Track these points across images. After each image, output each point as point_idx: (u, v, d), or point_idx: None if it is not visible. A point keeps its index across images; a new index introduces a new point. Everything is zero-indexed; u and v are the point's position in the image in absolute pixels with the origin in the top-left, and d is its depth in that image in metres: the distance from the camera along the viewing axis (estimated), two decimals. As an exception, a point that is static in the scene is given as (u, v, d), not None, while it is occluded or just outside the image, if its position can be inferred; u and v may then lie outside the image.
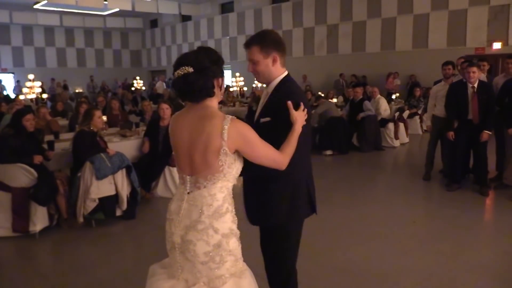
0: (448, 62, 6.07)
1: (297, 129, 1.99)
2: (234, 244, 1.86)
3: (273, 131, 2.05)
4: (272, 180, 2.12)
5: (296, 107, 2.06)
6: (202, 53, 1.82)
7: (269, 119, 2.12)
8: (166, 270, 1.96)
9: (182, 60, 1.79)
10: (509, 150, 5.63)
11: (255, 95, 2.24)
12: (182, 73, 1.76)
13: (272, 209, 2.18)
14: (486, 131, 5.29)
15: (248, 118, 2.42)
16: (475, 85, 5.35)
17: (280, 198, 2.16)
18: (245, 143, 1.78)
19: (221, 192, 1.82)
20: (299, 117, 2.02)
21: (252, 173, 2.05)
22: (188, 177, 1.85)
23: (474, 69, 5.32)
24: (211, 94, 1.83)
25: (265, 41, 2.16)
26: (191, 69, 1.76)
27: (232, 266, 1.85)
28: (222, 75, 1.89)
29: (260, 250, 2.55)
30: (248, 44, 2.19)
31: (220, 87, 1.90)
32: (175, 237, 1.86)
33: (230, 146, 1.77)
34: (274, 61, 2.18)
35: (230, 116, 1.79)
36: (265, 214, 2.20)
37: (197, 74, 1.76)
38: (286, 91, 2.16)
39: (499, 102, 5.55)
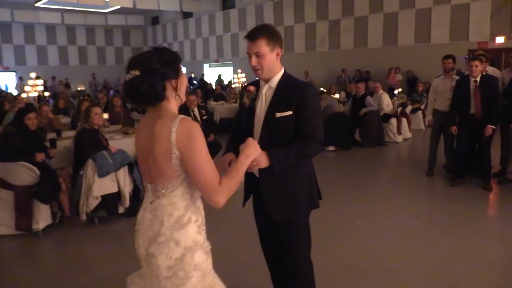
0: (448, 56, 5.99)
1: (246, 163, 1.80)
2: (200, 258, 1.72)
3: (297, 123, 2.12)
4: (290, 173, 2.19)
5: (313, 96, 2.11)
6: (153, 54, 1.69)
7: (290, 112, 2.12)
8: (143, 280, 1.83)
9: (131, 63, 1.67)
10: None
11: (250, 92, 2.22)
12: (130, 76, 1.64)
13: (295, 200, 2.25)
14: (490, 126, 5.26)
15: (244, 116, 2.36)
16: (478, 79, 5.32)
17: (301, 189, 2.26)
18: (189, 144, 1.59)
19: (183, 200, 1.69)
20: (253, 150, 1.83)
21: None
22: (148, 185, 1.74)
23: (477, 62, 5.29)
24: (160, 98, 1.67)
25: (272, 34, 2.15)
26: (137, 72, 1.64)
27: (199, 282, 1.71)
28: (176, 76, 1.73)
29: (262, 249, 2.56)
30: (254, 36, 2.13)
31: (176, 88, 1.73)
32: (140, 250, 1.76)
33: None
34: (277, 55, 2.18)
35: (181, 116, 1.64)
36: (289, 207, 2.26)
37: (143, 77, 1.63)
38: (298, 83, 2.20)
39: (509, 96, 5.50)
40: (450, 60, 5.93)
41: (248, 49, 2.16)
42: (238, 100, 2.76)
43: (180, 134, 1.59)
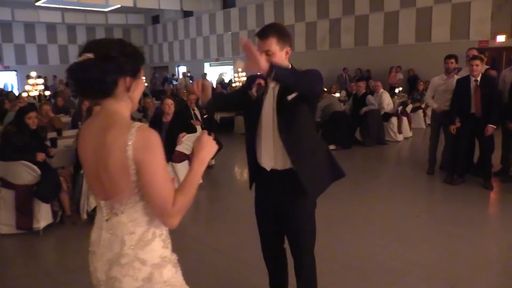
0: (451, 56, 5.96)
1: (201, 171, 1.57)
2: (169, 273, 1.56)
3: (304, 101, 2.19)
4: (317, 151, 2.35)
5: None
6: (114, 42, 1.48)
7: (296, 93, 2.17)
8: None
9: (87, 45, 1.45)
10: None
11: (261, 85, 2.22)
12: (81, 59, 1.42)
13: (324, 173, 2.39)
14: (491, 125, 5.25)
15: (249, 108, 2.38)
16: (478, 79, 5.31)
17: (326, 164, 2.42)
18: (146, 158, 1.40)
19: (145, 215, 1.50)
20: (208, 153, 1.60)
21: (294, 140, 2.19)
22: (102, 202, 1.53)
23: (477, 62, 5.28)
24: (107, 92, 1.45)
25: (283, 33, 2.21)
26: (91, 55, 1.41)
27: None
28: (133, 75, 1.50)
29: (263, 250, 2.56)
30: (265, 35, 2.17)
31: (129, 89, 1.49)
32: (98, 274, 1.55)
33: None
34: (286, 54, 2.24)
35: (137, 125, 1.43)
36: (320, 181, 2.37)
37: (96, 63, 1.40)
38: (301, 69, 2.25)
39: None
40: (453, 60, 5.88)
41: (259, 47, 2.18)
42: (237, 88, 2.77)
43: (138, 146, 1.39)
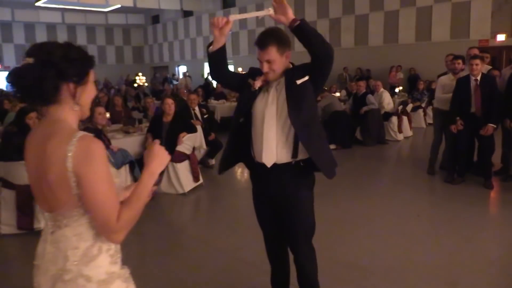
0: (458, 57, 5.91)
1: (150, 183, 1.47)
2: None
3: (310, 86, 2.28)
4: (321, 134, 2.42)
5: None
6: (58, 46, 1.39)
7: (307, 77, 2.27)
8: None
9: (29, 50, 1.38)
10: None
11: (264, 81, 2.28)
12: (21, 64, 1.37)
13: (331, 157, 2.47)
14: (491, 124, 5.25)
15: (242, 101, 2.42)
16: (478, 78, 5.31)
17: (329, 149, 2.53)
18: (87, 170, 1.31)
19: (90, 228, 1.40)
20: (160, 164, 1.50)
21: (305, 124, 2.25)
22: (46, 214, 1.45)
23: (477, 61, 5.28)
24: (47, 99, 1.38)
25: (282, 41, 2.26)
26: (31, 60, 1.34)
27: None
28: (79, 81, 1.40)
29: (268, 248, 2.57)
30: (264, 44, 2.24)
31: (74, 96, 1.40)
32: None
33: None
34: (286, 57, 2.30)
35: (80, 134, 1.34)
36: (331, 165, 2.45)
37: (34, 67, 1.33)
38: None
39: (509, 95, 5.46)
40: (460, 61, 5.84)
41: (259, 55, 2.26)
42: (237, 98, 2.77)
43: (78, 157, 1.30)
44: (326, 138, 2.56)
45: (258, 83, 2.29)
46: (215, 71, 2.43)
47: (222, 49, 2.31)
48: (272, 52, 2.23)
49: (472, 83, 5.33)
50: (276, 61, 2.24)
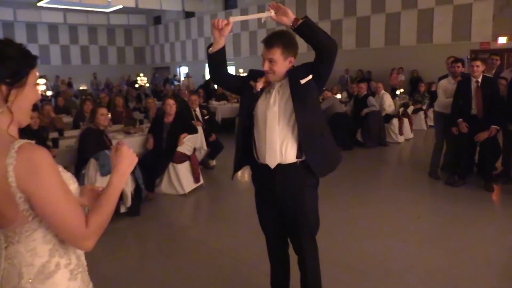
0: (458, 60, 5.92)
1: (120, 186, 1.39)
2: None
3: (318, 81, 2.32)
4: (324, 133, 2.43)
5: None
6: None
7: (311, 76, 2.30)
8: None
9: None
10: None
11: (267, 83, 2.29)
12: None
13: (332, 154, 2.50)
14: (494, 126, 5.23)
15: (244, 102, 2.41)
16: (479, 80, 5.31)
17: (331, 144, 2.51)
18: (35, 183, 1.18)
19: (46, 243, 1.29)
20: (128, 166, 1.43)
21: (309, 123, 2.29)
22: None
23: (478, 63, 5.28)
24: None
25: (289, 43, 2.29)
26: None
27: None
28: (13, 82, 1.24)
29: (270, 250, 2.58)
30: (270, 44, 2.26)
31: (6, 99, 1.23)
32: None
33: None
34: (289, 63, 2.32)
35: (19, 142, 1.20)
36: (329, 161, 2.47)
37: None
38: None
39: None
40: (460, 64, 5.84)
41: (263, 53, 2.29)
42: (239, 100, 2.74)
43: (21, 171, 1.16)
44: (331, 134, 2.56)
45: (259, 85, 2.31)
46: (215, 73, 2.43)
47: (222, 50, 2.32)
48: (276, 53, 2.25)
49: (473, 85, 5.33)
50: (278, 63, 2.26)
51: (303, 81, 2.28)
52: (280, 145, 2.31)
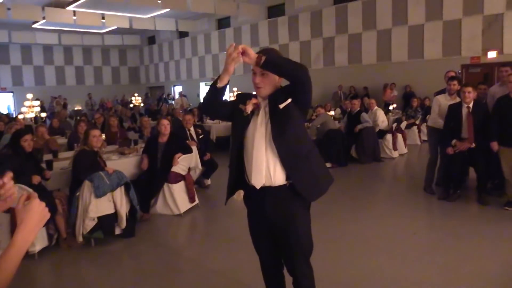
0: (454, 78, 5.96)
1: (28, 236, 1.19)
2: None
3: (295, 108, 2.27)
4: (310, 156, 2.38)
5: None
6: None
7: (289, 100, 2.26)
8: None
9: None
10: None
11: (256, 105, 2.27)
12: None
13: (321, 178, 2.45)
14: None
15: (238, 124, 2.44)
16: (470, 105, 5.34)
17: (319, 168, 2.46)
18: None
19: None
20: (39, 211, 1.24)
21: (289, 150, 2.26)
22: None
23: (470, 89, 5.30)
24: None
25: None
26: None
27: None
28: None
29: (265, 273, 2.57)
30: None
31: None
32: None
33: None
34: (279, 79, 2.33)
35: None
36: (319, 186, 2.43)
37: None
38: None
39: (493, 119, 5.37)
40: (455, 82, 5.86)
41: (254, 67, 2.27)
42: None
43: None
44: (319, 156, 2.52)
45: (249, 107, 2.32)
46: (213, 105, 2.39)
47: (228, 82, 2.33)
48: None
49: (464, 111, 5.36)
50: (270, 76, 2.27)
51: (282, 106, 2.26)
52: (267, 166, 2.30)
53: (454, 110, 5.49)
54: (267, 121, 2.31)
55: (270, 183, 2.33)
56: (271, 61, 2.16)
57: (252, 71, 2.31)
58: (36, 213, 1.21)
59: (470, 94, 5.30)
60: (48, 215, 1.25)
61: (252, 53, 2.17)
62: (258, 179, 2.33)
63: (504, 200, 5.40)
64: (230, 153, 2.46)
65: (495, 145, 5.15)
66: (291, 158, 2.29)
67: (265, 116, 2.33)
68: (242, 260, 4.00)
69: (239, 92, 2.51)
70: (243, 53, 2.15)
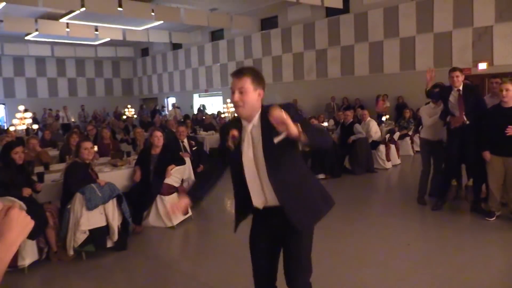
0: (436, 85, 6.06)
1: (10, 247, 1.13)
2: None
3: (291, 142, 2.16)
4: (304, 184, 2.36)
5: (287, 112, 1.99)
6: None
7: (284, 134, 2.07)
8: None
9: None
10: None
11: (235, 137, 2.26)
12: None
13: (314, 204, 2.40)
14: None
15: (231, 158, 2.41)
16: (460, 88, 5.45)
17: (316, 195, 2.42)
18: None
19: None
20: (19, 221, 1.16)
21: (283, 180, 2.23)
22: None
23: (457, 73, 5.44)
24: None
25: (257, 75, 2.28)
26: None
27: None
28: None
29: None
30: (240, 73, 2.26)
31: None
32: None
33: None
34: (259, 95, 2.28)
35: None
36: (311, 212, 2.38)
37: None
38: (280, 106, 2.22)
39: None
40: (438, 89, 5.96)
41: (233, 85, 2.26)
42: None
43: None
44: (315, 181, 2.49)
45: (231, 143, 2.32)
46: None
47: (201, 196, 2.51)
48: (247, 82, 2.22)
49: (455, 93, 5.47)
50: (249, 92, 2.22)
51: (276, 140, 2.15)
52: (262, 189, 2.31)
53: (445, 93, 5.60)
54: (254, 142, 2.27)
55: (271, 203, 2.33)
56: (310, 143, 2.13)
57: (231, 89, 2.28)
58: (16, 223, 1.13)
59: (459, 78, 5.42)
60: (31, 222, 1.18)
61: (293, 127, 1.97)
62: (259, 202, 2.35)
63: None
64: (232, 180, 2.45)
65: (487, 155, 5.15)
66: (283, 186, 2.27)
67: (252, 140, 2.29)
68: (236, 274, 3.96)
69: (220, 127, 2.51)
70: (281, 124, 1.97)
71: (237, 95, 2.24)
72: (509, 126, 4.87)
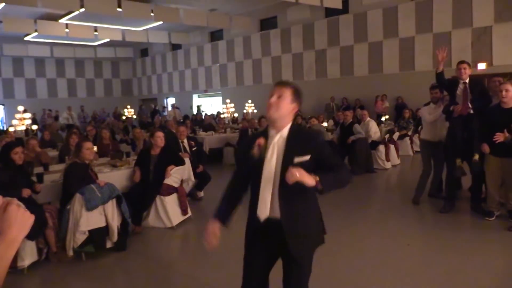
0: (435, 86, 6.07)
1: (11, 245, 1.15)
2: None
3: (321, 163, 2.27)
4: (310, 203, 2.39)
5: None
6: None
7: (308, 157, 2.22)
8: None
9: None
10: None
11: (261, 146, 2.29)
12: None
13: (314, 234, 2.46)
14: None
15: (251, 166, 2.41)
16: (467, 81, 5.46)
17: (316, 222, 2.47)
18: None
19: None
20: (18, 218, 1.16)
21: (292, 195, 2.25)
22: None
23: (465, 65, 5.46)
24: None
25: (299, 91, 2.36)
26: None
27: None
28: None
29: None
30: (284, 83, 2.34)
31: None
32: None
33: None
34: (293, 109, 2.33)
35: None
36: (310, 241, 2.44)
37: None
38: (310, 132, 2.38)
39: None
40: (437, 90, 5.96)
41: (274, 91, 2.32)
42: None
43: None
44: (318, 205, 2.48)
45: (256, 151, 2.31)
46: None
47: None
48: (288, 92, 2.29)
49: (461, 86, 5.47)
50: (286, 101, 2.28)
51: (296, 160, 2.20)
52: (270, 198, 2.29)
53: (452, 85, 5.59)
54: (279, 155, 2.27)
55: (274, 215, 2.30)
56: (328, 190, 2.19)
57: (270, 94, 2.32)
58: (15, 219, 1.12)
59: (466, 71, 5.43)
60: (31, 217, 1.17)
61: (308, 179, 2.08)
62: (263, 211, 2.31)
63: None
64: (251, 188, 2.42)
65: (486, 147, 5.05)
66: (290, 199, 2.28)
67: (277, 150, 2.29)
68: (235, 274, 3.94)
69: (247, 135, 2.49)
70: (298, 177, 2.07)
71: (275, 98, 2.28)
72: (497, 134, 4.77)
